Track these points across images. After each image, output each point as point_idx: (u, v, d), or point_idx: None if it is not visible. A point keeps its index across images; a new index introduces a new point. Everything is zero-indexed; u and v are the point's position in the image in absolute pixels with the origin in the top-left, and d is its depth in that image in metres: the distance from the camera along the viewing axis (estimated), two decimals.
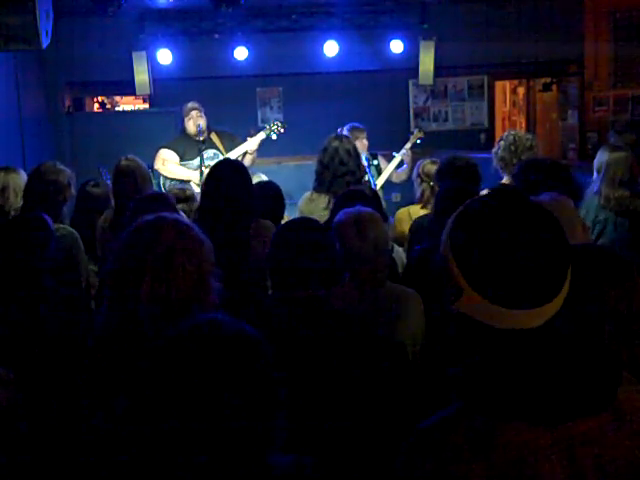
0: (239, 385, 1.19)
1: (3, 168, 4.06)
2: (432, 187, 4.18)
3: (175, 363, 1.21)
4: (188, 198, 4.17)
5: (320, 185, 4.24)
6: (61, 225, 3.53)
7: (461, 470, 1.10)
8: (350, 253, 2.60)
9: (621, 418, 1.14)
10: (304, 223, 2.35)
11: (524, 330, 1.13)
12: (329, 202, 4.00)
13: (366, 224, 2.62)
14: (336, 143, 4.26)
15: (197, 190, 5.36)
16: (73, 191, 3.83)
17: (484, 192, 3.77)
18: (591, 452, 1.11)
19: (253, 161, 5.76)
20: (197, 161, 5.57)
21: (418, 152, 5.82)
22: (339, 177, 4.17)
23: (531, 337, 1.13)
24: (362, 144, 5.42)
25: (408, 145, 5.73)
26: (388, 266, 2.75)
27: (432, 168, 4.21)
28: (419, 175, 4.31)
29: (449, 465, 1.10)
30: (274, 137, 5.94)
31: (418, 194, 4.29)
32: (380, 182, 5.49)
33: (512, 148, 4.04)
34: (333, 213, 3.25)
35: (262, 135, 5.82)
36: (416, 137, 5.86)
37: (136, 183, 3.78)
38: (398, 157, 5.63)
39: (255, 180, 4.60)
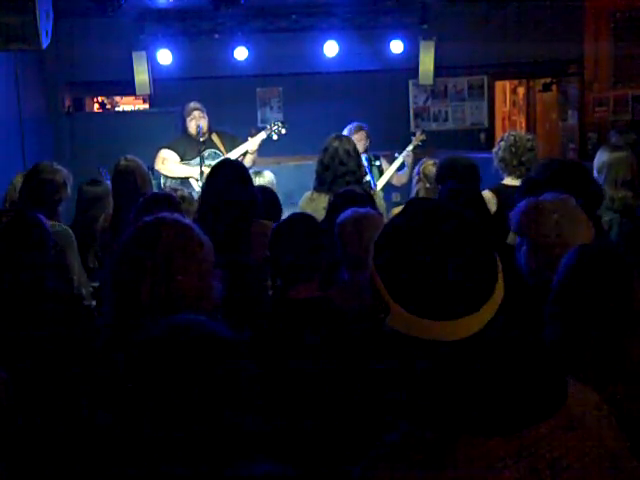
0: (209, 388, 1.16)
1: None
2: (427, 188, 4.18)
3: (143, 367, 1.18)
4: (183, 200, 4.17)
5: (321, 185, 4.24)
6: (56, 223, 3.54)
7: None
8: (348, 254, 2.61)
9: (571, 422, 1.13)
10: (300, 220, 2.35)
11: (458, 341, 1.12)
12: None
13: (365, 226, 2.62)
14: (336, 143, 4.26)
15: (197, 189, 5.38)
16: (69, 191, 3.83)
17: (485, 192, 3.79)
18: (547, 457, 1.10)
19: (253, 161, 5.76)
20: (197, 161, 5.58)
21: (418, 152, 5.83)
22: (339, 177, 4.18)
23: (465, 347, 1.12)
24: (361, 145, 5.44)
25: (410, 147, 5.74)
26: None
27: (432, 169, 4.21)
28: (418, 174, 4.31)
29: None
30: (275, 137, 5.95)
31: (413, 193, 4.30)
32: (381, 183, 5.49)
33: (512, 149, 4.04)
34: (329, 213, 3.25)
35: (263, 135, 5.82)
36: (418, 140, 5.87)
37: (136, 183, 3.79)
38: (400, 159, 5.64)
39: (262, 180, 4.61)
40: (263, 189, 3.94)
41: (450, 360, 1.13)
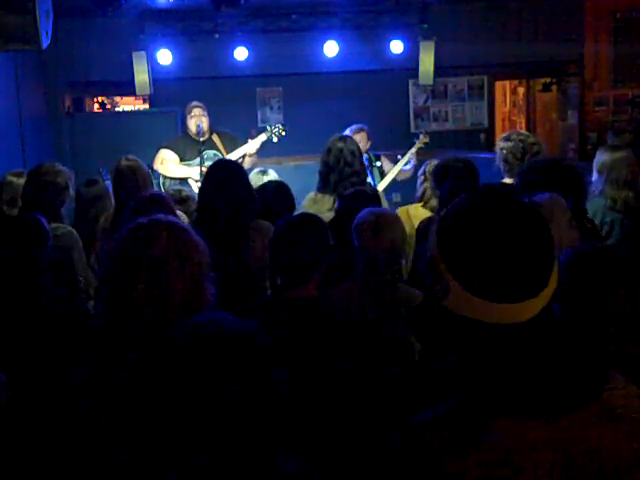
0: (243, 385, 1.17)
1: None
2: (433, 187, 4.15)
3: (179, 364, 1.19)
4: (184, 200, 4.17)
5: (325, 186, 4.19)
6: (60, 224, 3.53)
7: (455, 466, 1.11)
8: (365, 254, 2.60)
9: (607, 413, 1.15)
10: (303, 220, 2.34)
11: (512, 324, 1.15)
12: (334, 203, 3.99)
13: (384, 227, 2.61)
14: (341, 144, 4.22)
15: (196, 189, 5.37)
16: (72, 191, 3.81)
17: None
18: (581, 445, 1.12)
19: (254, 163, 5.75)
20: (197, 162, 5.57)
21: (421, 153, 5.83)
22: (345, 178, 4.15)
23: (519, 331, 1.15)
24: (361, 146, 5.43)
25: (413, 150, 5.75)
26: (400, 271, 2.75)
27: None
28: (424, 173, 4.29)
29: (443, 461, 1.12)
30: (275, 140, 5.95)
31: (419, 193, 4.27)
32: (383, 185, 5.48)
33: (518, 155, 4.01)
34: (339, 214, 3.24)
35: (263, 137, 5.82)
36: (422, 142, 5.88)
37: (137, 183, 3.78)
38: (403, 161, 5.65)
39: (267, 178, 4.60)
40: (278, 185, 3.91)
41: (502, 343, 1.15)
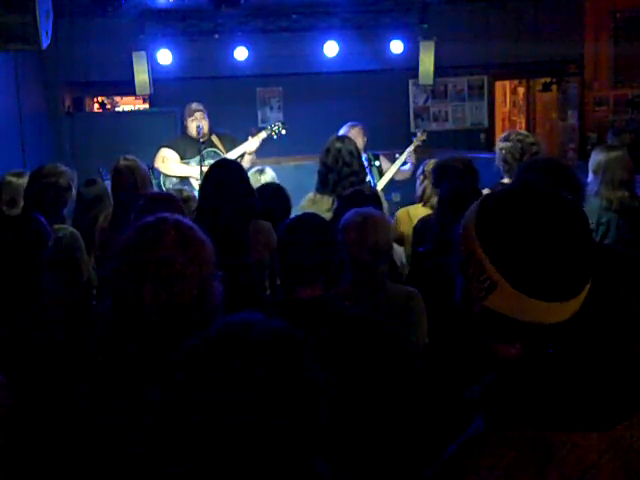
0: (282, 386, 1.14)
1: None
2: (432, 186, 4.16)
3: (217, 366, 1.15)
4: (185, 200, 4.16)
5: (323, 186, 4.19)
6: (62, 225, 3.52)
7: None
8: (350, 255, 2.60)
9: None
10: (310, 220, 2.34)
11: (554, 325, 1.12)
12: (333, 203, 3.99)
13: (369, 228, 2.60)
14: (339, 144, 4.22)
15: (198, 188, 5.37)
16: (74, 192, 3.81)
17: (485, 191, 3.78)
18: (635, 449, 1.10)
19: (252, 162, 5.76)
20: (197, 160, 5.58)
21: (419, 151, 5.83)
22: (344, 179, 4.15)
23: (562, 331, 1.13)
24: (359, 141, 5.44)
25: (411, 148, 5.75)
26: (387, 272, 2.74)
27: None
28: (423, 172, 4.28)
29: None
30: (275, 137, 5.96)
31: (419, 192, 4.26)
32: (382, 184, 5.48)
33: (517, 155, 4.02)
34: (337, 214, 3.24)
35: (263, 135, 5.83)
36: (419, 140, 5.88)
37: (135, 183, 3.78)
38: (401, 159, 5.66)
39: (265, 177, 4.60)
40: (275, 187, 3.91)
41: (547, 344, 1.13)
